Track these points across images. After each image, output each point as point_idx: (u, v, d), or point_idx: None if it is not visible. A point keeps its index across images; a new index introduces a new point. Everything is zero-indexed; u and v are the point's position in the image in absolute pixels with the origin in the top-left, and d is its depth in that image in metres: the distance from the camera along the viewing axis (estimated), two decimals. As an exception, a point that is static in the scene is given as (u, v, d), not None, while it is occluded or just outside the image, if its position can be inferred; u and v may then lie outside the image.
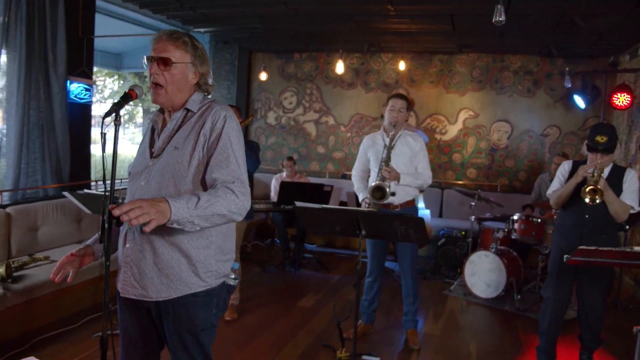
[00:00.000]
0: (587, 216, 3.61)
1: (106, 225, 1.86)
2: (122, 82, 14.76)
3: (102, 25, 6.22)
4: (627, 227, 5.37)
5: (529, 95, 7.65)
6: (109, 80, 14.68)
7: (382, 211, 4.06)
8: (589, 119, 7.35)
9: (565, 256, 3.09)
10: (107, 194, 1.88)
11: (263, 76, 8.25)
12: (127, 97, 2.01)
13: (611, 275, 3.82)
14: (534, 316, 5.09)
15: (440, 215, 7.81)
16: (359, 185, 4.46)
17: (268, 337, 4.33)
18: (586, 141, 3.63)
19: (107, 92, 14.88)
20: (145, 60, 2.06)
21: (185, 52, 2.06)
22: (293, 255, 6.44)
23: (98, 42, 7.20)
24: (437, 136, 8.07)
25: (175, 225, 1.81)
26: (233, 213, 1.93)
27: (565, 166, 3.80)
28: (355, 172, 4.53)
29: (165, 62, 2.03)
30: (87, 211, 4.10)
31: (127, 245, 2.07)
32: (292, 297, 5.42)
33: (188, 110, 2.11)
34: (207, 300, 2.09)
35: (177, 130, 2.09)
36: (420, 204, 6.64)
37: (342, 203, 7.20)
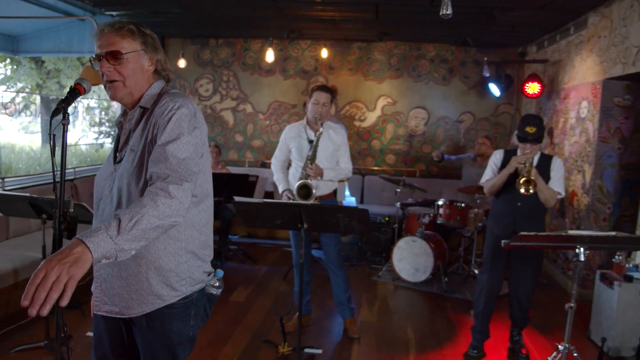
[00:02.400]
0: (519, 204, 3.79)
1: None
2: (15, 66, 13.63)
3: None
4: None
5: (444, 83, 7.90)
6: (0, 64, 13.51)
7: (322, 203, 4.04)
8: (501, 105, 7.73)
9: (503, 241, 3.22)
10: (58, 196, 1.69)
11: (182, 63, 7.92)
12: (74, 93, 1.80)
13: (541, 257, 4.04)
14: (461, 296, 5.32)
15: (362, 202, 7.91)
16: (278, 176, 4.39)
17: (204, 337, 4.17)
18: (516, 132, 3.79)
19: (-2, 77, 13.70)
20: (92, 60, 1.85)
21: (134, 41, 1.88)
22: (218, 248, 6.27)
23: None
24: (357, 123, 8.15)
25: (104, 261, 1.53)
26: (168, 217, 1.65)
27: (497, 155, 3.95)
28: (274, 161, 4.44)
29: (114, 56, 1.84)
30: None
31: None
32: (222, 292, 5.26)
33: (142, 107, 1.93)
34: (183, 312, 1.94)
35: (134, 130, 1.91)
36: (346, 192, 6.69)
37: (267, 193, 7.11)
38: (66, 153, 1.73)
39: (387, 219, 6.73)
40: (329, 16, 6.31)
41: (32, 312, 1.36)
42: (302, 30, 7.34)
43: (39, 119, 15.86)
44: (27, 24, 7.57)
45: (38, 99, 14.94)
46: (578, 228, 5.46)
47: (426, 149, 8.03)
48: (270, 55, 7.01)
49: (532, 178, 3.55)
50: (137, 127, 1.91)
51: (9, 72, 14.22)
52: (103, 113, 17.13)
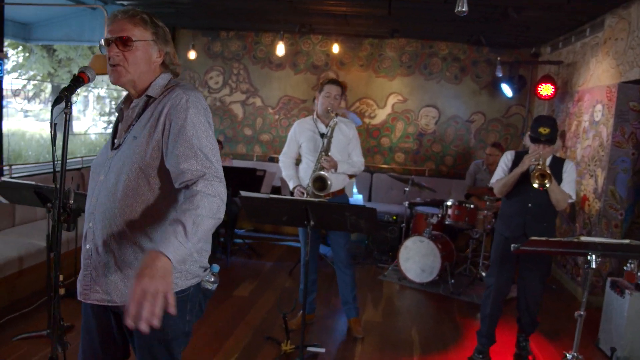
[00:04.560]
0: (530, 205, 3.71)
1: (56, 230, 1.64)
2: (27, 54, 13.64)
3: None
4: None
5: (456, 82, 7.81)
6: (12, 51, 13.50)
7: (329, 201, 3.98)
8: (512, 106, 7.63)
9: (513, 245, 3.15)
10: (58, 187, 1.66)
11: (192, 55, 7.87)
12: (77, 81, 1.78)
13: (549, 262, 3.97)
14: (467, 299, 5.25)
15: (370, 199, 7.85)
16: (288, 172, 4.32)
17: (206, 332, 4.14)
18: (529, 132, 3.72)
19: (10, 65, 13.69)
20: (102, 43, 1.83)
21: (145, 30, 1.86)
22: (224, 242, 6.23)
23: (8, 11, 6.54)
24: (366, 120, 8.08)
25: (179, 266, 1.70)
26: (218, 213, 1.74)
27: (509, 156, 3.88)
28: (283, 158, 4.38)
29: (124, 42, 1.81)
30: (4, 201, 3.72)
31: (88, 246, 1.86)
32: (226, 286, 5.23)
33: (149, 97, 1.89)
34: (179, 306, 1.86)
35: (138, 118, 1.88)
36: (354, 189, 6.64)
37: (274, 188, 7.06)
38: (68, 142, 1.69)
39: (394, 217, 6.67)
40: (340, 11, 6.24)
41: (143, 327, 1.49)
42: (313, 24, 7.28)
43: (49, 107, 15.86)
44: (39, 12, 7.54)
45: (49, 87, 14.95)
46: (589, 234, 5.37)
47: (436, 148, 7.95)
48: (280, 49, 6.96)
49: (548, 172, 3.48)
50: (141, 115, 1.88)
51: (21, 60, 14.22)
52: (113, 103, 17.13)
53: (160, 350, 1.91)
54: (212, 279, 2.02)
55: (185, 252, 1.62)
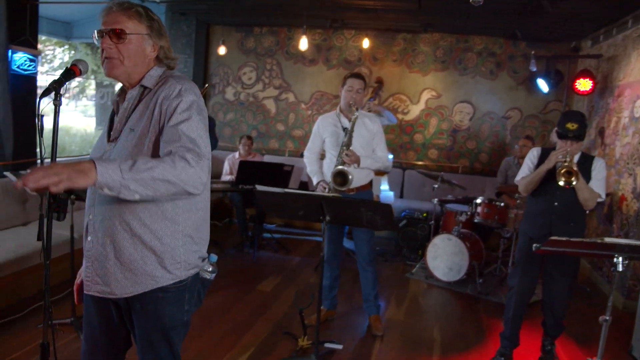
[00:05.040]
0: (556, 204, 3.56)
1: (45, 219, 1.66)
2: (72, 52, 14.07)
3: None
4: (587, 211, 5.40)
5: (491, 77, 7.61)
6: (58, 49, 13.96)
7: (344, 196, 3.92)
8: (550, 102, 7.38)
9: (534, 245, 3.02)
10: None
11: (222, 50, 7.92)
12: (68, 74, 1.80)
13: (577, 264, 3.81)
14: (495, 299, 5.10)
15: (402, 196, 7.75)
16: (312, 168, 4.30)
17: (225, 325, 4.16)
18: (556, 128, 3.56)
19: (57, 62, 14.15)
20: (95, 35, 1.83)
21: (139, 23, 1.87)
22: (252, 236, 6.25)
23: (45, 10, 6.74)
24: (399, 116, 7.95)
25: (106, 191, 1.58)
26: (183, 182, 1.68)
27: (534, 152, 3.73)
28: (308, 154, 4.35)
29: (118, 35, 1.82)
30: (32, 193, 3.81)
31: (89, 238, 1.89)
32: (251, 280, 5.25)
33: (144, 87, 1.90)
34: (177, 296, 1.92)
35: (134, 110, 1.88)
36: (385, 186, 6.55)
37: (302, 183, 7.04)
38: (57, 133, 1.70)
39: (425, 214, 6.56)
40: (370, 5, 6.16)
41: (18, 184, 1.47)
42: (345, 19, 7.21)
43: (94, 103, 16.33)
44: (80, 10, 7.75)
45: (93, 84, 15.39)
46: (626, 235, 5.14)
47: (470, 145, 7.77)
48: (304, 44, 6.88)
49: (575, 169, 3.32)
50: (136, 106, 1.88)
51: (66, 58, 14.68)
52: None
53: (159, 340, 1.93)
54: (210, 269, 2.04)
55: (118, 178, 1.56)
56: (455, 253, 5.42)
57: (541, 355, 3.92)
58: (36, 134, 1.81)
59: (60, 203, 1.78)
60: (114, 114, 1.98)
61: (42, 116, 1.65)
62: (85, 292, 1.95)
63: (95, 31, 1.85)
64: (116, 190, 1.58)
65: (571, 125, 3.43)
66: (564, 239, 2.85)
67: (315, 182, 4.24)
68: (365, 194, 4.16)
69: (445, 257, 5.49)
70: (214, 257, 2.06)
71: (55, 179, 1.46)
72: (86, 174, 1.51)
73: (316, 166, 4.30)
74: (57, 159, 5.30)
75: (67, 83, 1.78)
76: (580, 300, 5.24)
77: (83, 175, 1.51)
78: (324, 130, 4.24)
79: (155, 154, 1.80)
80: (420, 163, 7.93)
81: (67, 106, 17.67)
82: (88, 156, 1.98)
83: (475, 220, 5.59)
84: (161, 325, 1.91)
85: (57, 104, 1.69)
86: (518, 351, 3.91)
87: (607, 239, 2.86)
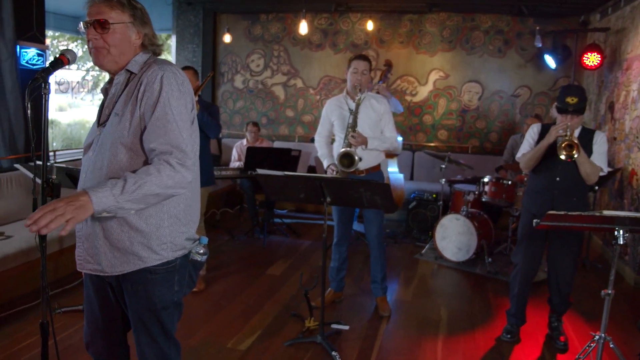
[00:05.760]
0: (558, 179, 3.55)
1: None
2: (85, 47, 14.20)
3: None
4: (597, 187, 5.36)
5: (499, 56, 7.54)
6: (72, 44, 14.09)
7: (349, 177, 3.94)
8: (560, 79, 7.29)
9: (534, 220, 3.02)
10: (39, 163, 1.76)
11: (227, 38, 7.94)
12: (57, 63, 1.86)
13: (581, 239, 3.80)
14: (505, 279, 5.09)
15: (412, 178, 7.75)
16: (323, 152, 4.32)
17: (235, 308, 4.23)
18: (556, 103, 3.54)
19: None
20: (81, 27, 1.88)
21: (122, 12, 1.91)
22: (262, 222, 6.32)
23: (53, 5, 6.81)
24: (408, 98, 7.93)
25: (105, 215, 1.75)
26: (169, 188, 1.80)
27: (535, 129, 3.71)
28: (318, 137, 4.38)
29: (102, 25, 1.87)
30: (38, 181, 3.90)
31: None
32: (260, 265, 5.32)
33: (130, 72, 1.95)
34: (167, 277, 1.98)
35: (120, 95, 1.94)
36: (394, 168, 6.55)
37: (310, 168, 7.08)
38: (48, 122, 1.76)
39: (434, 195, 6.55)
40: (373, -14, 6.13)
41: (33, 228, 1.61)
42: (349, 3, 7.18)
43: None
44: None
45: (107, 77, 15.52)
46: (637, 209, 5.09)
47: (480, 125, 7.73)
48: (303, 28, 6.85)
49: (576, 142, 3.30)
50: (123, 92, 1.93)
51: (80, 53, 14.82)
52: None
53: (151, 319, 2.00)
54: (202, 251, 2.08)
55: (113, 203, 1.71)
56: (463, 233, 5.42)
57: (548, 332, 3.93)
58: (45, 127, 1.87)
59: (53, 188, 1.84)
60: (104, 101, 2.03)
61: (29, 104, 1.71)
62: (78, 269, 2.02)
63: (81, 22, 1.89)
64: (113, 212, 1.75)
65: (571, 99, 3.41)
66: (562, 212, 2.85)
67: (325, 165, 4.26)
68: (375, 175, 4.16)
69: (453, 237, 5.49)
70: (205, 240, 2.10)
71: (62, 219, 1.61)
72: (86, 207, 1.67)
73: (326, 150, 4.32)
74: (70, 151, 5.41)
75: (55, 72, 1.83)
76: (592, 277, 5.21)
77: (83, 209, 1.66)
78: (332, 114, 4.26)
79: (137, 137, 1.86)
80: (430, 144, 7.91)
81: (83, 100, 17.92)
82: (82, 144, 2.04)
83: (483, 199, 5.58)
84: (152, 306, 1.97)
85: (45, 92, 1.74)
86: (525, 328, 3.93)
87: (606, 212, 2.86)
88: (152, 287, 1.95)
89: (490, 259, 5.41)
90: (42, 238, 1.80)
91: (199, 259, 2.07)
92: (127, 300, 2.00)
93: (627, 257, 5.21)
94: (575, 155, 3.33)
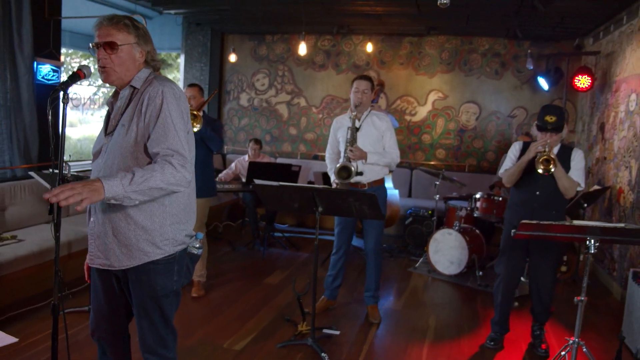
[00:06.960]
0: (538, 193, 3.76)
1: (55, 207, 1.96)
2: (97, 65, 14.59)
3: (70, 5, 6.18)
4: (586, 205, 5.55)
5: (496, 77, 7.78)
6: (84, 61, 14.51)
7: (351, 189, 4.15)
8: (555, 100, 7.50)
9: (512, 231, 3.22)
10: (56, 171, 2.00)
11: (232, 58, 8.24)
12: (74, 77, 2.11)
13: (558, 251, 3.99)
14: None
15: (410, 195, 7.95)
16: (331, 166, 4.52)
17: (232, 313, 4.44)
18: (536, 122, 3.76)
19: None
20: (91, 47, 2.14)
21: (128, 34, 2.16)
22: (262, 235, 6.53)
23: (68, 24, 7.14)
24: (407, 117, 8.18)
25: (113, 202, 1.96)
26: (172, 185, 2.03)
27: (517, 146, 3.93)
28: (327, 155, 4.61)
29: (111, 46, 2.12)
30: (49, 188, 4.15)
31: (92, 219, 2.23)
32: (258, 275, 5.52)
33: (133, 87, 2.20)
34: (167, 267, 2.22)
35: (126, 108, 2.19)
36: (389, 184, 6.75)
37: (309, 183, 7.29)
38: (65, 130, 2.01)
39: (430, 212, 6.74)
40: (372, 11, 6.41)
41: (53, 199, 1.81)
42: (350, 25, 7.47)
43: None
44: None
45: (116, 93, 15.90)
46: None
47: (477, 144, 7.94)
48: (302, 49, 7.11)
49: (553, 157, 3.52)
50: (128, 105, 2.19)
51: (92, 70, 15.23)
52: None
53: (152, 306, 2.24)
54: (198, 245, 2.34)
55: (121, 192, 1.92)
56: (455, 247, 5.61)
57: (531, 340, 4.10)
58: (59, 138, 2.09)
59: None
60: (109, 113, 2.28)
61: (49, 111, 1.96)
62: (89, 264, 2.29)
63: (91, 44, 2.16)
64: (120, 200, 1.96)
65: (550, 118, 3.63)
66: (534, 222, 3.05)
67: (332, 180, 4.46)
68: (378, 189, 4.34)
69: (446, 251, 5.68)
70: (201, 235, 2.37)
71: (78, 197, 1.83)
72: (99, 191, 1.88)
73: (333, 165, 4.50)
74: (81, 162, 5.66)
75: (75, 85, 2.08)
76: (579, 291, 5.35)
77: (97, 193, 1.87)
78: (337, 131, 4.48)
79: (141, 144, 2.10)
80: (428, 163, 8.12)
81: (92, 116, 18.34)
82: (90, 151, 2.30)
83: (475, 215, 5.77)
84: (154, 293, 2.22)
85: (65, 102, 1.99)
86: (510, 336, 4.10)
87: (576, 222, 3.06)
88: (154, 276, 2.19)
89: (481, 273, 5.59)
90: (57, 228, 2.02)
91: (195, 252, 2.33)
92: (131, 288, 2.24)
93: (615, 272, 5.36)
94: (552, 169, 3.54)
